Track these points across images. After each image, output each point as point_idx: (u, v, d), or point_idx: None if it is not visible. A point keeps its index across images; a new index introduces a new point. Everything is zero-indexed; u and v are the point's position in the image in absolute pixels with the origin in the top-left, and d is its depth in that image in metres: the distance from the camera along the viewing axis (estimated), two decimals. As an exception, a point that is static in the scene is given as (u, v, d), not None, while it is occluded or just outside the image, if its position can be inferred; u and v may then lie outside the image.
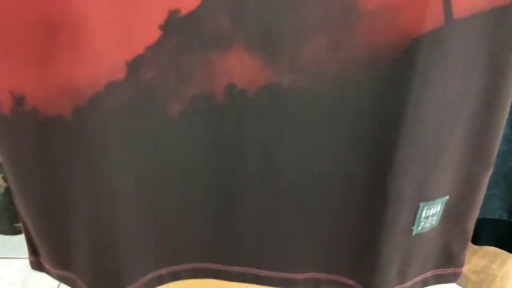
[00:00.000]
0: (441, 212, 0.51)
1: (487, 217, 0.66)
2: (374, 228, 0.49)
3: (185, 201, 0.51)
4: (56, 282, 1.23)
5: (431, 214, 0.50)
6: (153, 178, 0.48)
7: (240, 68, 0.43)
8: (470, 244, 0.80)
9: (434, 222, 0.51)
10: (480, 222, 0.63)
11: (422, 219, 0.50)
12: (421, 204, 0.48)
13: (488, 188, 0.62)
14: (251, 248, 0.55)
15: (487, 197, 0.64)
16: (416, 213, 0.49)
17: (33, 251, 0.56)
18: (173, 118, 0.45)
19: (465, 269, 0.81)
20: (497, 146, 0.48)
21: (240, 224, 0.53)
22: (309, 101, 0.44)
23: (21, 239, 1.40)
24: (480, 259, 0.80)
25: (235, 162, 0.48)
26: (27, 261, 1.33)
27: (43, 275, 1.30)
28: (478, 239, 0.68)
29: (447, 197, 0.50)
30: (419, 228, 0.50)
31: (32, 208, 0.50)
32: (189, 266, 0.56)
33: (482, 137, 0.46)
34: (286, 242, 0.54)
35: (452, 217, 0.52)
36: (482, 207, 0.63)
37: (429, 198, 0.49)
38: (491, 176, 0.58)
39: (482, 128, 0.46)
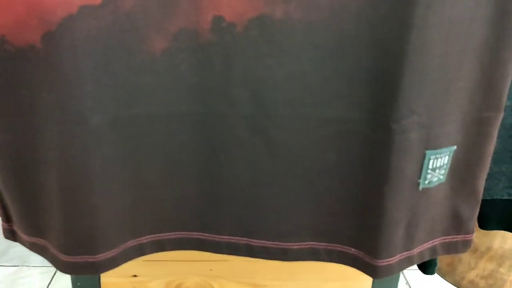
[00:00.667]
0: (448, 165, 0.47)
1: (494, 197, 0.62)
2: (378, 182, 0.45)
3: (167, 153, 0.46)
4: (42, 289, 1.17)
5: (438, 166, 0.46)
6: (131, 123, 0.44)
7: None
8: (477, 246, 0.77)
9: (441, 177, 0.47)
10: (487, 204, 0.60)
11: (429, 171, 0.45)
12: (428, 152, 0.44)
13: (494, 165, 0.58)
14: (241, 213, 0.50)
15: (493, 175, 0.60)
16: (422, 164, 0.45)
17: (6, 217, 0.51)
18: (156, 56, 0.42)
19: (473, 274, 0.78)
20: (507, 86, 0.44)
21: (229, 184, 0.48)
22: (303, 35, 0.41)
23: (5, 247, 1.34)
24: (488, 262, 0.77)
25: (222, 107, 0.44)
26: (12, 269, 1.28)
27: (28, 284, 1.23)
28: (486, 223, 0.64)
29: (455, 147, 0.46)
30: (426, 182, 0.46)
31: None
32: (173, 235, 0.51)
33: (491, 74, 0.43)
34: (280, 205, 0.49)
35: (460, 172, 0.48)
36: (489, 187, 0.60)
37: (436, 145, 0.44)
38: (497, 152, 0.55)
39: (492, 62, 0.42)
